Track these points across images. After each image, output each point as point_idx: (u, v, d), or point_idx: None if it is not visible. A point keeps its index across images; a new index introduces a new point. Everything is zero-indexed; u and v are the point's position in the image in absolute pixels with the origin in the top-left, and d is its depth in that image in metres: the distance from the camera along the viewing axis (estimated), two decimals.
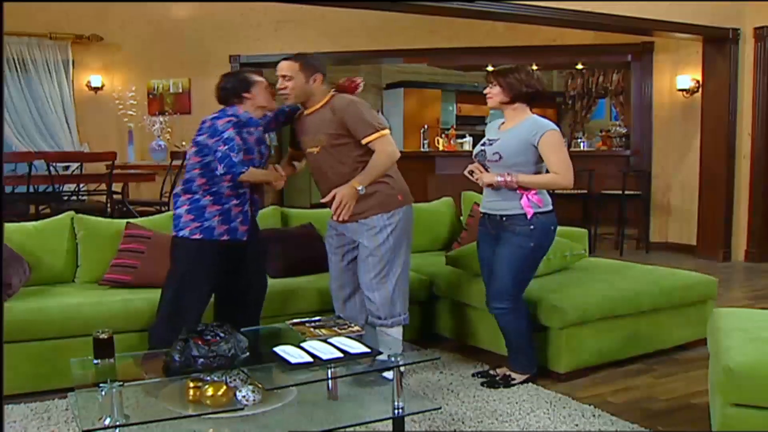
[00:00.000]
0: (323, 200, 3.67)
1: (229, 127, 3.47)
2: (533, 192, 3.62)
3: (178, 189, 3.65)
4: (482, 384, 3.78)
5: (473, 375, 3.94)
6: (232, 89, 3.61)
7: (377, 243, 3.65)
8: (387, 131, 3.63)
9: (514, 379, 3.77)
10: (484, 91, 3.74)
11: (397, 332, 3.75)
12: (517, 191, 3.62)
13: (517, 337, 3.76)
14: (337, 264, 3.86)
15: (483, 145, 3.78)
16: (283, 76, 3.65)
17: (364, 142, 3.60)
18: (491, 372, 3.90)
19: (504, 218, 3.68)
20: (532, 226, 3.62)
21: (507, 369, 3.84)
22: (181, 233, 3.54)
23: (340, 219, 3.60)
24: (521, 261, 3.67)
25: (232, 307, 3.72)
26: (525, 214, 3.61)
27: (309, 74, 3.63)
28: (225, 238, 3.56)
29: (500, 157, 3.63)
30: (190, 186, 3.57)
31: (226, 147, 3.44)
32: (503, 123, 3.80)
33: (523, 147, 3.62)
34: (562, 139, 3.66)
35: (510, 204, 3.65)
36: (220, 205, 3.55)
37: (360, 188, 3.56)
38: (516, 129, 3.67)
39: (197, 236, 3.52)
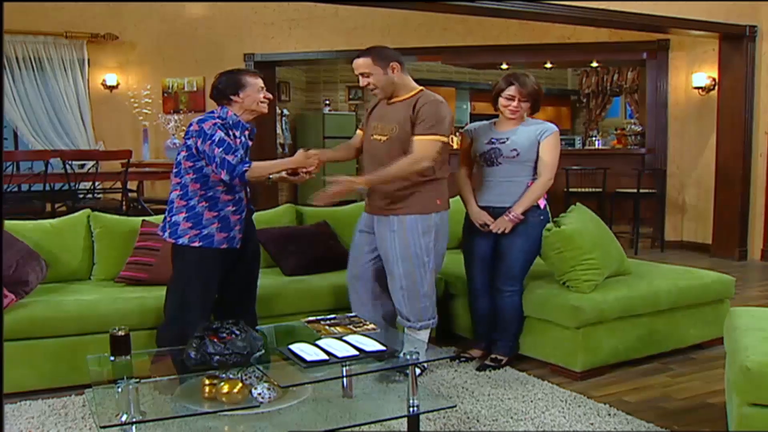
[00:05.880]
0: (330, 179, 3.54)
1: (216, 129, 3.39)
2: None
3: (172, 195, 3.53)
4: (477, 369, 3.94)
5: (453, 359, 4.10)
6: (222, 90, 3.51)
7: (407, 243, 3.66)
8: (442, 139, 3.61)
9: (501, 360, 3.99)
10: (513, 106, 3.87)
11: (424, 334, 3.81)
12: (528, 185, 3.91)
13: (515, 318, 4.03)
14: (363, 262, 3.87)
15: (491, 143, 3.95)
16: (362, 74, 3.64)
17: (414, 137, 3.59)
18: (464, 355, 4.13)
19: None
20: (541, 216, 3.95)
21: (481, 352, 4.13)
22: (180, 241, 3.47)
23: (315, 202, 3.59)
24: (535, 248, 3.96)
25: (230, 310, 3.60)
26: (537, 206, 3.91)
27: (385, 65, 3.63)
28: (224, 246, 3.51)
29: (518, 153, 3.86)
30: (185, 192, 3.48)
31: (221, 149, 3.35)
32: (495, 122, 4.03)
33: (533, 144, 3.90)
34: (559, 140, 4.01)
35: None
36: (217, 212, 3.47)
37: (361, 188, 3.58)
38: (524, 128, 3.94)
39: (197, 244, 3.45)
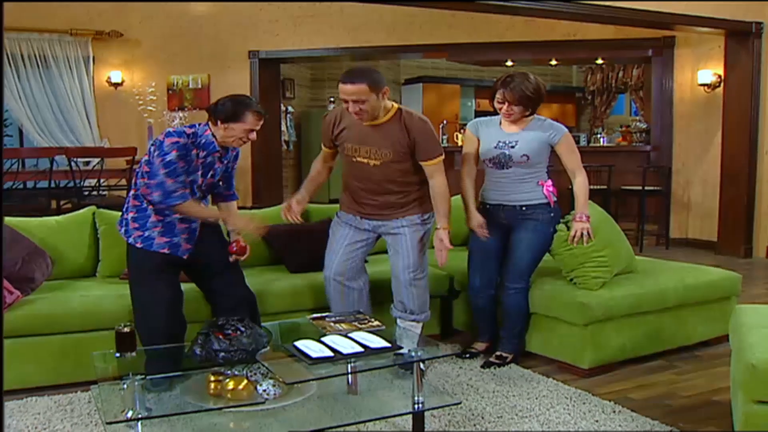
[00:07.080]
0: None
1: (173, 149, 3.34)
2: (550, 183, 3.93)
3: (130, 194, 3.60)
4: (481, 367, 3.94)
5: (458, 356, 4.09)
6: (218, 111, 3.43)
7: (417, 238, 3.77)
8: (443, 156, 3.72)
9: (506, 358, 3.99)
10: (505, 109, 3.84)
11: (418, 328, 3.82)
12: (538, 183, 3.88)
13: (521, 316, 4.02)
14: (348, 255, 3.84)
15: (498, 147, 3.91)
16: (355, 101, 3.47)
17: (424, 164, 3.66)
18: (469, 350, 4.14)
19: (525, 208, 3.90)
20: (552, 214, 3.93)
21: (485, 344, 4.15)
22: (129, 240, 3.53)
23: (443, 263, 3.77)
24: (543, 245, 3.94)
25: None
26: (547, 203, 3.90)
27: (378, 91, 3.50)
28: (165, 251, 3.49)
29: (528, 158, 3.84)
30: (137, 193, 3.51)
31: (165, 171, 3.34)
32: (501, 122, 3.98)
33: (543, 147, 3.88)
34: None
35: (532, 195, 3.90)
36: (163, 217, 3.49)
37: (449, 230, 3.71)
38: (531, 129, 3.89)
39: (139, 245, 3.49)
